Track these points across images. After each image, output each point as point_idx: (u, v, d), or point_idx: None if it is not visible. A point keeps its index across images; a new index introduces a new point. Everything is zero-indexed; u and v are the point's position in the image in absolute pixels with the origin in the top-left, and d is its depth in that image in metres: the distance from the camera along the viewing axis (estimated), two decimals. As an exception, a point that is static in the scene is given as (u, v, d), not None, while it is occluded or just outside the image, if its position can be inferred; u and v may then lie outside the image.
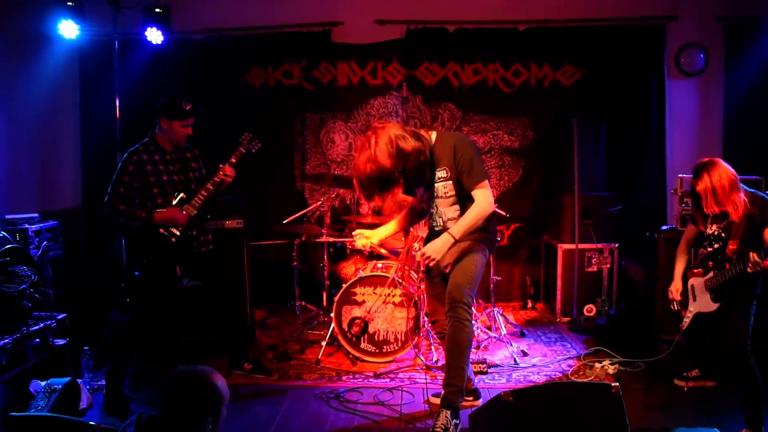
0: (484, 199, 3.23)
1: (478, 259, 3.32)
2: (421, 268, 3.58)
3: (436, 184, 3.35)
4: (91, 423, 2.40)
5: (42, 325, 3.64)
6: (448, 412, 3.17)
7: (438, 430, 3.12)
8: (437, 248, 3.21)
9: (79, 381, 3.58)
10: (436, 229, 3.43)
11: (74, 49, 5.91)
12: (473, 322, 3.25)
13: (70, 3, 5.05)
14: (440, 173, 3.31)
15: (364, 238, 3.60)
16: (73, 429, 2.47)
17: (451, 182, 3.30)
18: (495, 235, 3.57)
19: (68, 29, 4.82)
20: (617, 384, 2.31)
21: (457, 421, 3.18)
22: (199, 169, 3.94)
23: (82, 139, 6.07)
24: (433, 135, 3.34)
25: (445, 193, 3.34)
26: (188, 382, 2.10)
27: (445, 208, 3.39)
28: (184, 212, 3.70)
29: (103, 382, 3.87)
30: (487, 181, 3.27)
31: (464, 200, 3.32)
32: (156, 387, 3.98)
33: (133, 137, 4.32)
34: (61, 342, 3.80)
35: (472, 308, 3.28)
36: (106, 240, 5.82)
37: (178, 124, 3.74)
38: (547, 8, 5.85)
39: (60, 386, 3.31)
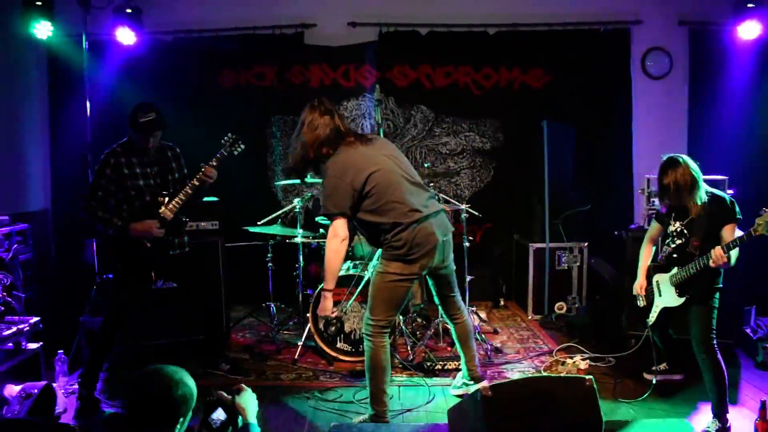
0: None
1: (378, 279, 3.32)
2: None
3: None
4: (70, 425, 2.40)
5: (15, 329, 3.59)
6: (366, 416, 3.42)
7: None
8: (323, 307, 3.39)
9: (54, 385, 3.53)
10: None
11: (43, 49, 5.82)
12: (377, 341, 3.28)
13: (39, 2, 4.99)
14: None
15: None
16: (52, 432, 2.47)
17: None
18: (397, 241, 3.23)
19: (41, 30, 4.75)
20: (591, 377, 2.40)
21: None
22: (180, 168, 3.91)
23: (51, 141, 5.99)
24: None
25: None
26: (153, 381, 2.03)
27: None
28: (160, 225, 3.68)
29: (77, 386, 3.83)
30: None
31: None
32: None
33: (104, 138, 4.26)
34: (34, 346, 3.75)
35: (375, 329, 3.28)
36: (76, 243, 5.75)
37: (136, 135, 3.70)
38: (516, 13, 5.95)
39: (36, 391, 3.27)
